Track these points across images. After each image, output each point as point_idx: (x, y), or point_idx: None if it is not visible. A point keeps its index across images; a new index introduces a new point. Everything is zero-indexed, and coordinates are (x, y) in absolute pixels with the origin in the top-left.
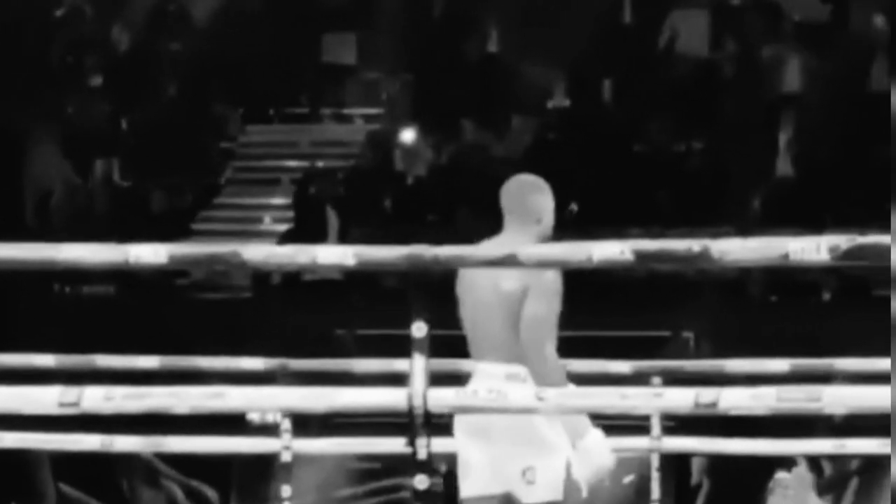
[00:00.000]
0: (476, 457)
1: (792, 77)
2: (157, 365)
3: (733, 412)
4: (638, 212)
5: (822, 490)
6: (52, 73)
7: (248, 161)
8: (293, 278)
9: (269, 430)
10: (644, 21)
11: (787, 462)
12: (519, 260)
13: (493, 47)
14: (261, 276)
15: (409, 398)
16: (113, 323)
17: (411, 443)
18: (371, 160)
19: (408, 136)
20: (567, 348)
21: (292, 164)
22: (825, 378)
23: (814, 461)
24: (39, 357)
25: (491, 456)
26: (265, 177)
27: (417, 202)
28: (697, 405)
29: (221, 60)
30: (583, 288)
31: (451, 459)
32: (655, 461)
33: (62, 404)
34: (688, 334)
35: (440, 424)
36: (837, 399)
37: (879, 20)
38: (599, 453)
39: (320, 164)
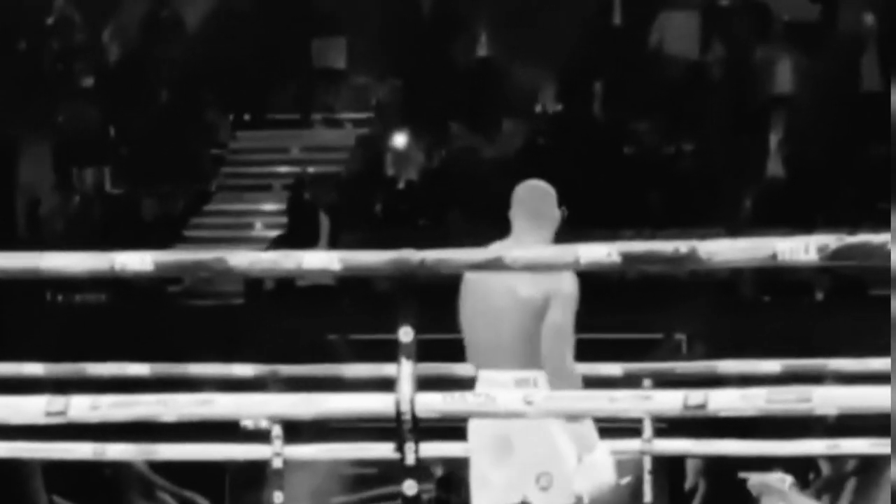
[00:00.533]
0: (493, 468)
1: (782, 78)
2: (148, 372)
3: (722, 414)
4: (629, 214)
5: (819, 491)
6: (43, 81)
7: (238, 167)
8: (286, 284)
9: (263, 436)
10: (633, 23)
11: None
12: (505, 263)
13: (483, 51)
14: (253, 282)
15: (397, 403)
16: (105, 331)
17: (399, 448)
18: (361, 165)
19: (399, 140)
20: None
21: (283, 169)
22: (817, 378)
23: (811, 462)
24: (29, 366)
25: (508, 465)
26: (256, 182)
27: (409, 206)
28: (686, 407)
29: (211, 66)
30: None
31: (448, 464)
32: (647, 464)
33: (49, 413)
34: (680, 336)
35: (435, 429)
36: (828, 400)
37: (869, 18)
38: (604, 468)
39: (311, 169)
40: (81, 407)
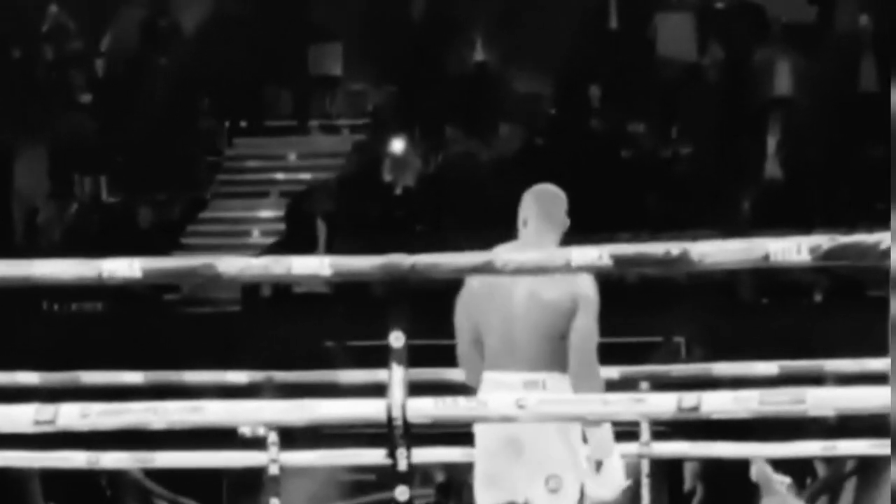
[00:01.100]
0: (501, 469)
1: (779, 80)
2: (143, 380)
3: (716, 416)
4: (627, 217)
5: (816, 493)
6: (39, 89)
7: (235, 174)
8: (283, 291)
9: (260, 443)
10: (630, 26)
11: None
12: (496, 267)
13: (479, 56)
14: (250, 289)
15: (389, 409)
16: (102, 340)
17: (391, 454)
18: (358, 171)
19: (396, 146)
20: None
21: (280, 176)
22: (814, 380)
23: (807, 465)
24: (23, 375)
25: (517, 466)
26: (253, 189)
27: (406, 212)
28: (680, 410)
29: (207, 73)
30: None
31: (448, 470)
32: (645, 467)
33: (38, 422)
34: (679, 339)
35: (432, 435)
36: (822, 401)
37: (865, 19)
38: (619, 474)
39: (307, 175)
40: (71, 415)
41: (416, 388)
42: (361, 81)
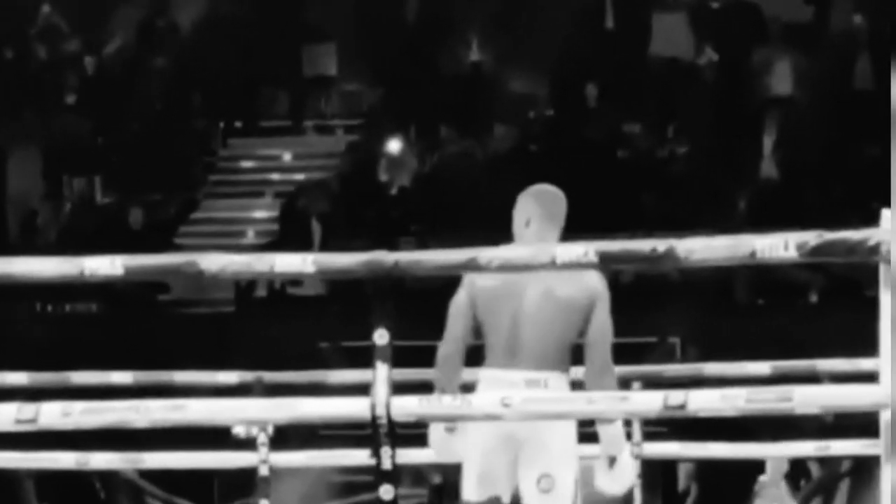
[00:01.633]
0: (494, 465)
1: (775, 79)
2: (132, 381)
3: (702, 414)
4: (623, 217)
5: (810, 494)
6: (32, 90)
7: (230, 174)
8: (277, 292)
9: (253, 444)
10: (626, 26)
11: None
12: (480, 264)
13: (474, 56)
14: (244, 290)
15: (373, 407)
16: (96, 340)
17: (376, 453)
18: (353, 171)
19: (391, 146)
20: None
21: (275, 176)
22: (808, 379)
23: (800, 464)
24: (12, 375)
25: (511, 464)
26: (248, 190)
27: (402, 212)
28: (666, 408)
29: (202, 74)
30: None
31: (445, 471)
32: (637, 467)
33: (19, 421)
34: (674, 339)
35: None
36: (808, 399)
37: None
38: (631, 470)
39: (302, 176)
40: (52, 414)
41: (412, 389)
42: (356, 82)
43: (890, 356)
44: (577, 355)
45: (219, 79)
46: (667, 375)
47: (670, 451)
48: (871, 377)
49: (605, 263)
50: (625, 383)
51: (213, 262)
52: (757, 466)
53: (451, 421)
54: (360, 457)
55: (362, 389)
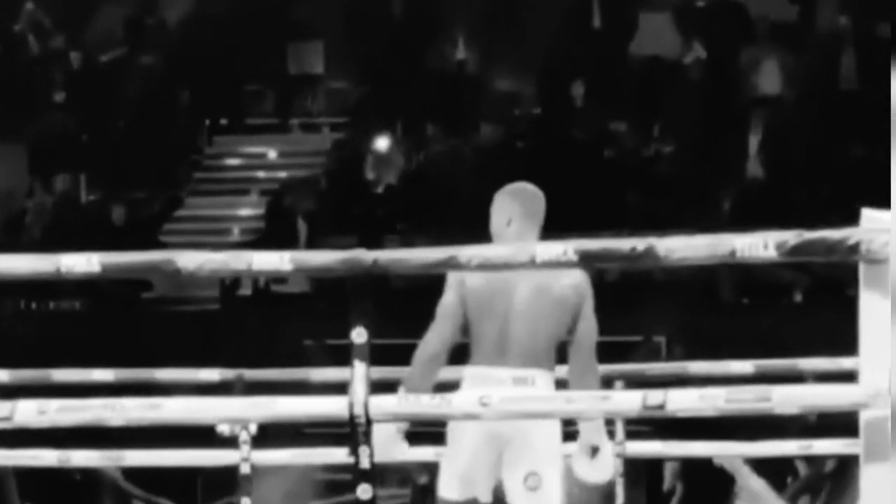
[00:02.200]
0: (477, 464)
1: (761, 79)
2: (113, 378)
3: (681, 414)
4: (609, 216)
5: (797, 492)
6: (16, 88)
7: (215, 172)
8: (262, 290)
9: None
10: (613, 25)
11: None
12: (460, 261)
13: (460, 54)
14: (229, 288)
15: (351, 406)
16: (80, 338)
17: (354, 452)
18: (339, 169)
19: (378, 144)
20: None
21: (261, 174)
22: (791, 378)
23: (788, 464)
24: None
25: (497, 462)
26: (233, 188)
27: (388, 210)
28: (645, 407)
29: (188, 71)
30: None
31: (432, 471)
32: (619, 466)
33: None
34: (659, 338)
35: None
36: (787, 398)
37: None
38: (611, 459)
39: (288, 174)
40: (28, 412)
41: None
42: (343, 80)
43: (869, 356)
44: (559, 353)
45: (205, 76)
46: (650, 374)
47: (653, 450)
48: (853, 376)
49: (585, 262)
50: (608, 382)
51: (191, 259)
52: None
53: (429, 420)
54: (341, 455)
55: (345, 387)
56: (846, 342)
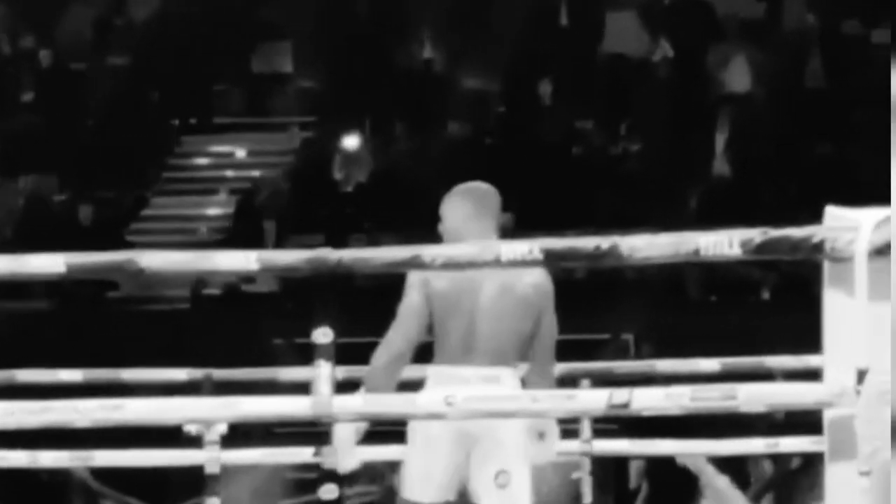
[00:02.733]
0: (444, 464)
1: (728, 77)
2: (81, 378)
3: (646, 413)
4: (576, 215)
5: (762, 491)
6: None
7: (184, 171)
8: (232, 289)
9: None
10: (580, 23)
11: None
12: (424, 261)
13: (427, 53)
14: (198, 287)
15: (315, 406)
16: (48, 338)
17: (319, 452)
18: (308, 168)
19: (347, 143)
20: None
21: (229, 173)
22: (759, 376)
23: (753, 461)
24: None
25: (463, 461)
26: (202, 187)
27: (357, 209)
28: (610, 406)
29: (157, 71)
30: None
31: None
32: (587, 464)
33: None
34: (627, 336)
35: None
36: (753, 397)
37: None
38: (553, 448)
39: (257, 173)
40: None
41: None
42: (311, 79)
43: (833, 354)
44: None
45: (173, 76)
46: (618, 372)
47: (619, 449)
48: (820, 374)
49: (550, 261)
50: (575, 381)
51: (155, 259)
52: (712, 464)
53: (392, 419)
54: (309, 455)
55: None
56: (815, 339)
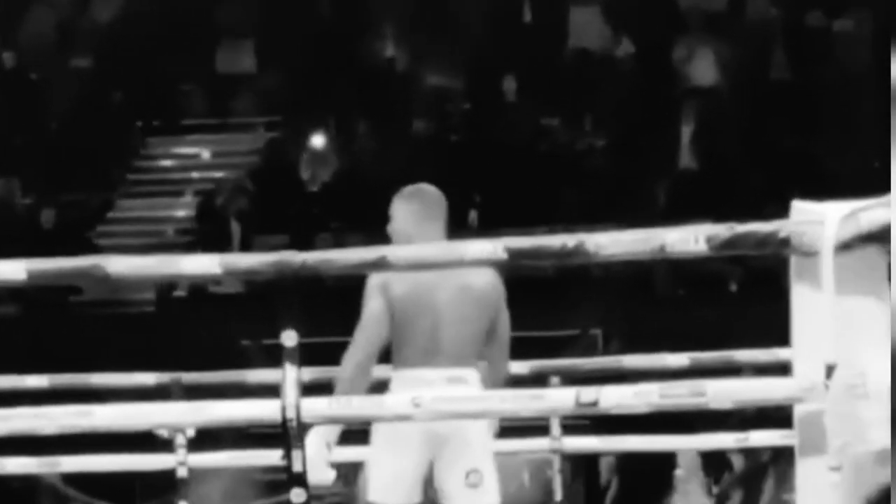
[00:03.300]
0: (409, 464)
1: (693, 70)
2: (47, 384)
3: (615, 411)
4: (543, 211)
5: (732, 485)
6: None
7: (149, 173)
8: (198, 291)
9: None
10: (543, 20)
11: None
12: (389, 262)
13: (391, 51)
14: (164, 289)
15: (283, 409)
16: (13, 343)
17: (286, 455)
18: (273, 168)
19: (312, 142)
20: None
21: (195, 175)
22: (727, 370)
23: (721, 456)
24: None
25: (422, 462)
26: (168, 189)
27: (323, 209)
28: (579, 405)
29: (120, 73)
30: None
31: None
32: (557, 462)
33: None
34: (595, 332)
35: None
36: (722, 393)
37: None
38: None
39: (222, 174)
40: None
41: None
42: (274, 78)
43: (802, 350)
44: None
45: (137, 77)
46: (586, 369)
47: (589, 446)
48: (786, 368)
49: (515, 260)
50: (543, 378)
51: (120, 264)
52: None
53: (361, 421)
54: (277, 457)
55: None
56: (782, 330)
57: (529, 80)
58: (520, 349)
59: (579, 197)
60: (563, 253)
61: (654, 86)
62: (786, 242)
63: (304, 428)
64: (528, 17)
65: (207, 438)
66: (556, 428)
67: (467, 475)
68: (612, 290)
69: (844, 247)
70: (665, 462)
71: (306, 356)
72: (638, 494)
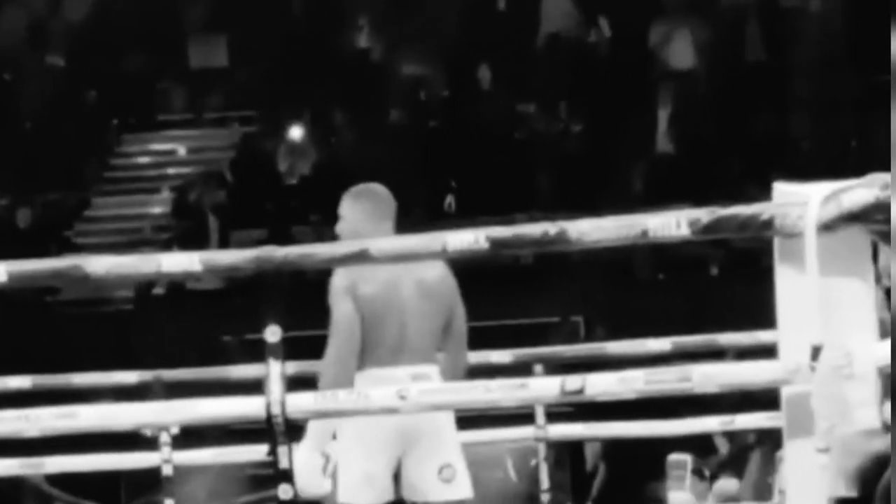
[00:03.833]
0: (381, 464)
1: (673, 53)
2: (30, 385)
3: (600, 398)
4: (521, 198)
5: (718, 469)
6: None
7: (125, 171)
8: (177, 288)
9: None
10: (518, 6)
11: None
12: (371, 255)
13: (366, 41)
14: (143, 287)
15: (268, 406)
16: None
17: (272, 451)
18: (250, 162)
19: (289, 134)
20: None
21: (171, 171)
22: (710, 354)
23: (707, 442)
24: None
25: (392, 459)
26: (144, 186)
27: (301, 202)
28: (564, 393)
29: (94, 70)
30: (467, 275)
31: None
32: (542, 450)
33: None
34: (577, 318)
35: None
36: (708, 378)
37: None
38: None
39: (198, 169)
40: None
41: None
42: (248, 72)
43: (787, 331)
44: (471, 341)
45: (110, 75)
46: (568, 356)
47: (575, 433)
48: (769, 351)
49: (497, 249)
50: (526, 366)
51: (99, 264)
52: (667, 443)
53: (346, 415)
54: (263, 453)
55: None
56: (765, 312)
57: (504, 67)
58: (500, 337)
59: (557, 183)
60: (545, 241)
61: (630, 70)
62: (769, 224)
63: (289, 424)
64: (501, 4)
65: (191, 435)
66: (540, 416)
67: (440, 470)
68: (591, 275)
69: (827, 227)
70: (652, 446)
71: (287, 350)
72: (626, 480)
